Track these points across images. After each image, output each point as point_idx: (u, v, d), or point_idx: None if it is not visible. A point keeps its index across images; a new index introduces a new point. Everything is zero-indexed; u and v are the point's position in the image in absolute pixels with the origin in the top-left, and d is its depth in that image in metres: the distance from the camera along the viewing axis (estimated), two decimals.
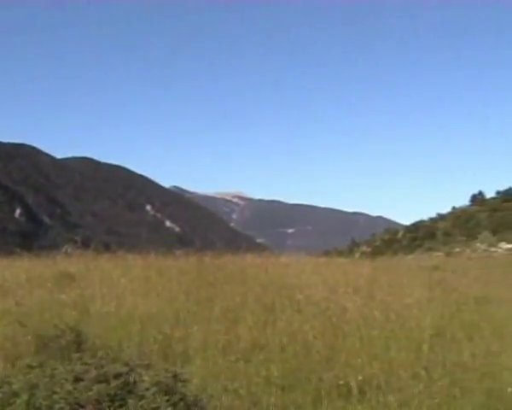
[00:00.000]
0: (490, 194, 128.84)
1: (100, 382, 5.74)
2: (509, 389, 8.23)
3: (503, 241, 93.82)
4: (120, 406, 5.54)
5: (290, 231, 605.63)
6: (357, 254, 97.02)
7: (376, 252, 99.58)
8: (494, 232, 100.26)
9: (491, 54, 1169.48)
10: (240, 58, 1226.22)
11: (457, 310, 14.37)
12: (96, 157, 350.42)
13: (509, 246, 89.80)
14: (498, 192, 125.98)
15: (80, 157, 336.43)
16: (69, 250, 27.45)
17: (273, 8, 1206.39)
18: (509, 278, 28.86)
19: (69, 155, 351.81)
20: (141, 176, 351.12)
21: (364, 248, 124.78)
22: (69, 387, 5.64)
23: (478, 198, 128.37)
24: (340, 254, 72.52)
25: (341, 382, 8.25)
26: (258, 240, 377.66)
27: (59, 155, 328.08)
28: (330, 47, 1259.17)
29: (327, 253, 64.37)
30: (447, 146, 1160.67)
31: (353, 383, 8.11)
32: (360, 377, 8.36)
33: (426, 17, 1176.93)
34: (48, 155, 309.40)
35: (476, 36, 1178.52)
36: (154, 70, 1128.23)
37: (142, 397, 5.62)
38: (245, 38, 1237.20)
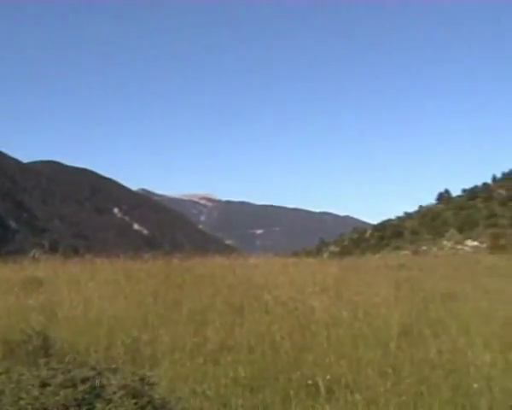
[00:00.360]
0: (456, 192, 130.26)
1: (67, 387, 5.73)
2: (475, 385, 8.29)
3: (469, 238, 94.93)
4: None
5: (259, 232, 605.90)
6: (325, 254, 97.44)
7: (345, 251, 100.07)
8: (460, 230, 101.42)
9: (450, 50, 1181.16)
10: (212, 63, 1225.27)
11: (424, 308, 14.45)
12: (62, 160, 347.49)
13: (475, 243, 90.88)
14: (464, 190, 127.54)
15: (47, 161, 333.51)
16: (37, 255, 27.30)
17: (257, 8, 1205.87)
18: (475, 275, 29.11)
19: (35, 158, 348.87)
20: (108, 179, 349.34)
21: (333, 248, 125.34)
22: (36, 392, 5.62)
23: (444, 196, 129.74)
24: (309, 254, 72.80)
25: (310, 381, 8.26)
26: (227, 241, 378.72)
27: (25, 159, 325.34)
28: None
29: (295, 253, 64.65)
30: (413, 145, 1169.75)
31: (321, 383, 8.14)
32: (328, 377, 8.37)
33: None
34: (13, 158, 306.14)
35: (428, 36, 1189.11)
36: (119, 72, 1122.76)
37: (109, 401, 5.61)
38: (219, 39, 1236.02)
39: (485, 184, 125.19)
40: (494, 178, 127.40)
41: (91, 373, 6.08)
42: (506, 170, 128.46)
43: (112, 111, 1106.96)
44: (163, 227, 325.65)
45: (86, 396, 5.65)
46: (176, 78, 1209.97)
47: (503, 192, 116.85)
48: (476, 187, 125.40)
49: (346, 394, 7.99)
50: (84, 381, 5.85)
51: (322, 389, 8.04)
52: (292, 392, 7.99)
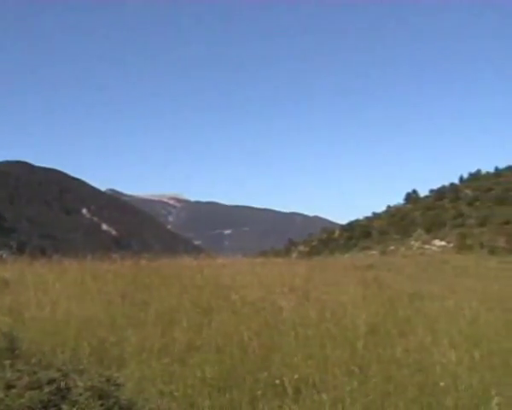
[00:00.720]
0: (423, 192, 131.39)
1: (32, 388, 5.68)
2: (442, 384, 8.36)
3: (436, 238, 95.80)
4: None
5: (227, 232, 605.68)
6: (294, 254, 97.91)
7: (313, 252, 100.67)
8: (428, 230, 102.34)
9: (420, 50, 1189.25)
10: (180, 64, 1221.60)
11: (391, 307, 14.57)
12: (30, 161, 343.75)
13: (442, 243, 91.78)
14: (432, 191, 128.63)
15: (14, 161, 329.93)
16: (4, 256, 27.07)
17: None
18: (442, 274, 29.44)
19: (3, 158, 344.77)
20: (76, 179, 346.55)
21: (302, 248, 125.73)
22: (0, 394, 5.57)
23: (412, 197, 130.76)
24: (277, 254, 73.05)
25: (277, 381, 8.27)
26: (196, 242, 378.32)
27: None
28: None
29: (264, 253, 64.71)
30: (381, 145, 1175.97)
31: (288, 383, 8.16)
32: (296, 376, 8.39)
33: None
34: None
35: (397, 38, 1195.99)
36: (87, 70, 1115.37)
37: (75, 403, 5.58)
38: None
39: (452, 185, 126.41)
40: (461, 179, 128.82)
41: (57, 375, 6.03)
42: (473, 170, 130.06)
43: (81, 111, 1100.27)
44: (131, 228, 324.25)
45: (52, 398, 5.61)
46: (145, 79, 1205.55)
47: (469, 193, 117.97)
48: (444, 187, 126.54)
49: (313, 393, 8.01)
50: (49, 382, 5.81)
51: (290, 389, 8.05)
52: (259, 392, 7.99)
